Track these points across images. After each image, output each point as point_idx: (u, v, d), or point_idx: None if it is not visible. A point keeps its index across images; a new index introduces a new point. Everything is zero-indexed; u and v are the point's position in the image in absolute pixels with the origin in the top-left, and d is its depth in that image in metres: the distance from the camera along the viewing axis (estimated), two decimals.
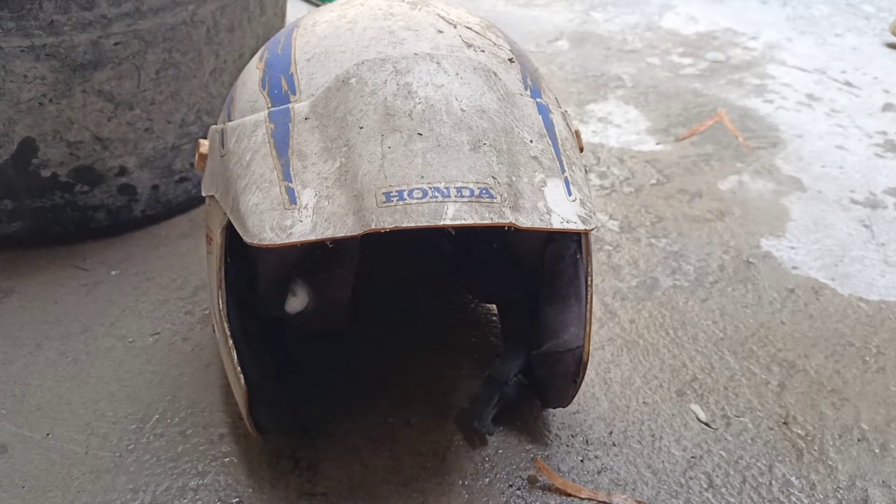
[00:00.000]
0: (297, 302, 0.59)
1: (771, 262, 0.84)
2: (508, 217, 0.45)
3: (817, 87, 1.24)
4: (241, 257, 0.55)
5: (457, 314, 0.75)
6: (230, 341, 0.53)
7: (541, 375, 0.61)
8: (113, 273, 0.80)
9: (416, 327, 0.73)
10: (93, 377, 0.67)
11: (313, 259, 0.58)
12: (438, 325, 0.74)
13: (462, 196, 0.44)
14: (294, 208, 0.45)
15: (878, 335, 0.74)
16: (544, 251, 0.61)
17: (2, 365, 0.69)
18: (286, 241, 0.44)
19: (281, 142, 0.48)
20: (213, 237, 0.55)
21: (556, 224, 0.47)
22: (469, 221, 0.44)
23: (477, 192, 0.45)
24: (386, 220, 0.43)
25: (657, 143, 1.07)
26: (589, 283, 0.58)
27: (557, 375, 0.59)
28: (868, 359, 0.71)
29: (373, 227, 0.43)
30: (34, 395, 0.66)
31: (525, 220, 0.46)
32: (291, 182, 0.46)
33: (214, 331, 0.60)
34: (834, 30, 1.47)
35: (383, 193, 0.44)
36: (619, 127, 1.12)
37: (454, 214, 0.44)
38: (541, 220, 0.47)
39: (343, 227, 0.44)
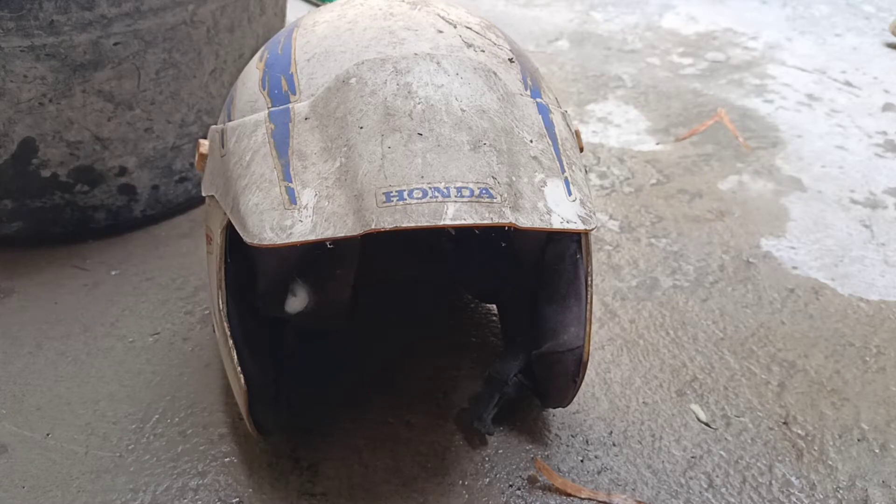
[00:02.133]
0: (297, 302, 0.59)
1: (771, 262, 0.84)
2: (508, 217, 0.45)
3: (817, 87, 1.24)
4: (241, 257, 0.55)
5: (457, 314, 0.75)
6: (230, 341, 0.53)
7: (541, 375, 0.61)
8: (113, 273, 0.80)
9: (416, 327, 0.73)
10: (93, 377, 0.67)
11: (313, 259, 0.58)
12: (438, 325, 0.74)
13: (462, 196, 0.44)
14: (294, 208, 0.45)
15: (878, 335, 0.74)
16: (544, 251, 0.61)
17: (2, 365, 0.69)
18: (286, 242, 0.44)
19: (281, 142, 0.48)
20: (213, 237, 0.55)
21: (556, 224, 0.47)
22: (469, 221, 0.44)
23: (477, 192, 0.45)
24: (386, 221, 0.43)
25: (657, 143, 1.07)
26: (589, 283, 0.58)
27: (557, 375, 0.59)
28: (868, 359, 0.71)
29: (373, 227, 0.43)
30: (34, 394, 0.66)
31: (525, 220, 0.46)
32: (291, 182, 0.46)
33: (214, 331, 0.60)
34: (834, 30, 1.47)
35: (383, 193, 0.44)
36: (619, 127, 1.12)
37: (454, 214, 0.44)
38: (541, 220, 0.47)
39: (343, 227, 0.44)
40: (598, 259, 0.83)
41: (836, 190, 0.97)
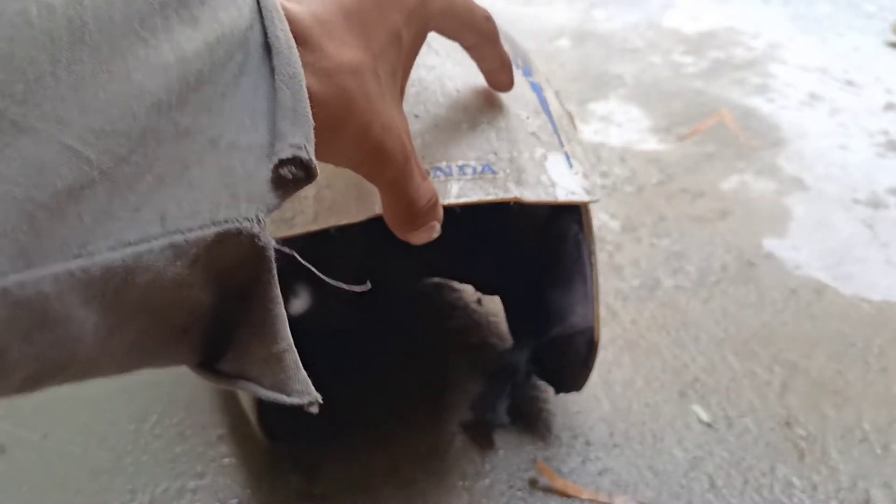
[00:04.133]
0: (299, 303, 0.58)
1: (773, 263, 0.84)
2: (513, 192, 0.44)
3: (819, 87, 1.24)
4: None
5: (457, 314, 0.75)
6: None
7: (551, 361, 0.59)
8: None
9: (416, 327, 0.73)
10: None
11: (314, 258, 0.57)
12: (438, 325, 0.73)
13: (465, 174, 0.44)
14: (294, 199, 0.45)
15: (881, 336, 0.74)
16: (545, 234, 0.60)
17: None
18: (289, 233, 0.44)
19: None
20: None
21: (562, 197, 0.47)
22: (474, 198, 0.43)
23: (479, 168, 0.44)
24: None
25: (659, 142, 1.07)
26: (593, 262, 0.57)
27: (568, 359, 0.58)
28: (870, 359, 0.71)
29: (377, 210, 0.42)
30: (32, 395, 0.65)
31: (530, 194, 0.45)
32: None
33: None
34: (836, 29, 1.46)
35: None
36: (620, 126, 1.11)
37: (458, 192, 0.43)
38: (545, 193, 0.46)
39: (346, 213, 0.43)
40: (599, 259, 0.83)
41: (838, 190, 0.97)
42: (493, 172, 0.44)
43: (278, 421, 0.56)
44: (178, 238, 0.22)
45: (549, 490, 0.58)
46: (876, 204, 0.94)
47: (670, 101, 1.18)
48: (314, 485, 0.58)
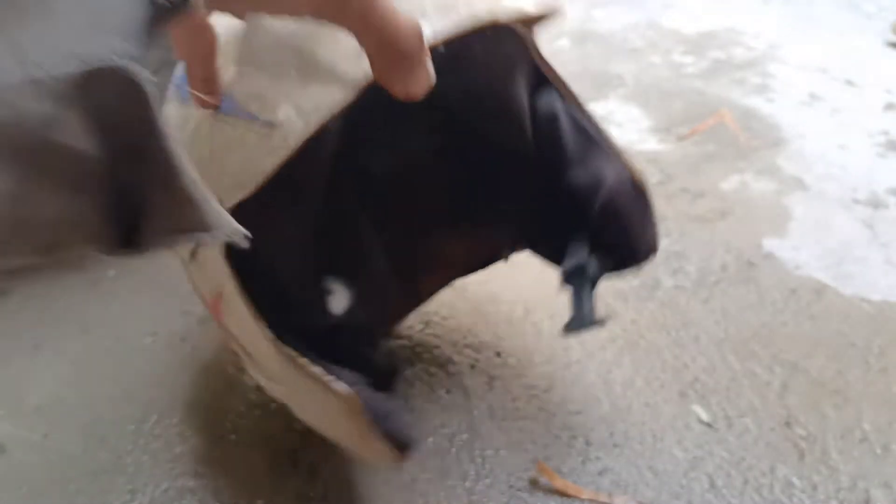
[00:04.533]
0: (339, 299, 0.53)
1: (773, 263, 0.84)
2: (484, 16, 0.46)
3: (819, 87, 1.24)
4: (251, 279, 0.47)
5: (456, 313, 0.75)
6: (300, 359, 0.45)
7: (614, 234, 0.56)
8: (111, 273, 0.80)
9: (414, 327, 0.73)
10: (91, 378, 0.67)
11: (326, 249, 0.54)
12: (437, 324, 0.73)
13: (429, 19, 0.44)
14: (277, 128, 0.43)
15: (881, 336, 0.74)
16: (534, 129, 0.58)
17: (0, 366, 0.69)
18: (288, 154, 0.42)
19: (228, 108, 0.45)
20: (218, 289, 0.48)
21: (531, 8, 0.49)
22: (450, 31, 0.44)
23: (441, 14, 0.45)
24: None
25: (659, 142, 1.07)
26: (592, 120, 0.55)
27: (628, 217, 0.55)
28: (870, 359, 0.71)
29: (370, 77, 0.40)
30: (33, 395, 0.65)
31: (502, 14, 0.47)
32: (258, 117, 0.44)
33: (260, 382, 0.54)
34: (835, 29, 1.46)
35: (355, 53, 0.40)
36: (620, 126, 1.11)
37: (433, 33, 0.43)
38: (515, 10, 0.48)
39: (336, 101, 0.42)
40: None
41: (837, 190, 0.97)
42: (456, 9, 0.45)
43: (400, 429, 0.49)
44: (39, 73, 0.20)
45: (549, 490, 0.58)
46: (876, 204, 0.94)
47: (670, 101, 1.18)
48: (314, 485, 0.58)
